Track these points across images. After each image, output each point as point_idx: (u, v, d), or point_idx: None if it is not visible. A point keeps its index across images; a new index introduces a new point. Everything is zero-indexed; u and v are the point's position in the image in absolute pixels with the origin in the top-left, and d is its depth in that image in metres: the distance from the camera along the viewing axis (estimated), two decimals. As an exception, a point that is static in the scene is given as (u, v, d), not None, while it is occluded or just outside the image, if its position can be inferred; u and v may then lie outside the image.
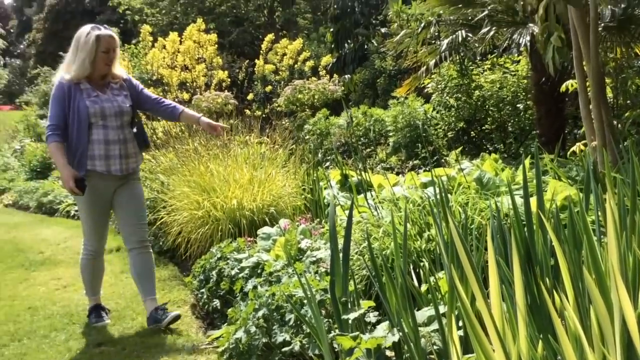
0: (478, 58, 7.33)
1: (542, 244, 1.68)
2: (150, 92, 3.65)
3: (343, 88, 11.33)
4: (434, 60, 5.95)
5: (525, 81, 7.17)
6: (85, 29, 3.25)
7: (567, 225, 1.92)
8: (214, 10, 22.85)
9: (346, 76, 12.32)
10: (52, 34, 37.12)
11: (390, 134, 7.64)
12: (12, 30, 63.44)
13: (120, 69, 3.44)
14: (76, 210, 8.15)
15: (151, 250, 3.52)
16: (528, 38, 4.78)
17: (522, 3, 3.82)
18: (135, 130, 3.43)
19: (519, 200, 3.10)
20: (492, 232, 1.79)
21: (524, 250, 1.63)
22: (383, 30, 12.92)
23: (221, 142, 5.35)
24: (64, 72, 3.26)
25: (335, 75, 12.18)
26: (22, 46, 61.50)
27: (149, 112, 3.91)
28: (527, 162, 4.19)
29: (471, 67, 7.61)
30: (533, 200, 2.43)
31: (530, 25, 4.91)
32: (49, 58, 33.03)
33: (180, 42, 10.24)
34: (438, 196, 2.42)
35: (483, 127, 7.71)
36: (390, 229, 2.77)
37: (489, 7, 5.32)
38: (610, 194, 1.50)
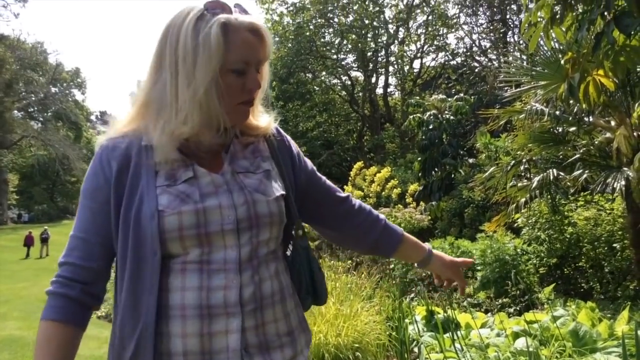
0: (570, 194, 7.22)
1: None
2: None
3: (429, 217, 11.36)
4: (524, 199, 5.92)
5: (622, 220, 6.93)
6: (185, 10, 1.31)
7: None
8: (306, 134, 24.10)
9: (432, 203, 12.37)
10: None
11: (478, 267, 7.49)
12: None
13: (263, 113, 1.47)
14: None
15: None
16: (623, 182, 4.71)
17: (615, 153, 3.83)
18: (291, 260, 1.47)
19: (619, 362, 2.95)
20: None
21: None
22: (470, 160, 13.06)
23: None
24: (122, 125, 1.37)
25: (421, 203, 12.27)
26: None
27: (317, 225, 1.64)
28: (625, 314, 3.99)
29: (563, 203, 7.48)
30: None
31: (625, 169, 4.85)
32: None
33: (274, 168, 10.77)
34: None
35: (577, 265, 7.41)
36: (481, 387, 2.69)
37: (581, 150, 5.32)
38: None
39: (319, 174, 1.59)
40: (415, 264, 1.72)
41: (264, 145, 1.47)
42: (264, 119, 1.48)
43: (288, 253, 1.47)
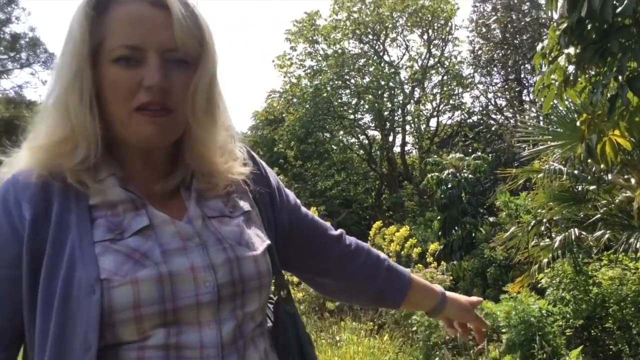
0: (594, 254, 7.12)
1: None
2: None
3: (451, 277, 11.22)
4: (546, 259, 5.86)
5: (648, 280, 6.79)
6: None
7: None
8: (325, 193, 24.18)
9: (454, 262, 12.24)
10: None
11: (503, 330, 7.33)
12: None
13: (236, 144, 1.07)
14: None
15: None
16: (646, 243, 4.65)
17: (637, 213, 3.81)
18: (274, 333, 1.08)
19: None
20: None
21: None
22: (491, 219, 12.97)
23: (329, 334, 5.40)
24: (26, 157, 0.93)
25: (442, 263, 12.14)
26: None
27: (307, 274, 1.30)
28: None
29: (587, 262, 7.37)
30: None
31: (648, 229, 4.80)
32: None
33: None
34: None
35: (604, 326, 7.22)
36: None
37: (602, 209, 5.29)
38: None
39: (304, 209, 1.21)
40: (426, 313, 1.37)
41: (242, 186, 1.08)
42: (235, 156, 1.05)
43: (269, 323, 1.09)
